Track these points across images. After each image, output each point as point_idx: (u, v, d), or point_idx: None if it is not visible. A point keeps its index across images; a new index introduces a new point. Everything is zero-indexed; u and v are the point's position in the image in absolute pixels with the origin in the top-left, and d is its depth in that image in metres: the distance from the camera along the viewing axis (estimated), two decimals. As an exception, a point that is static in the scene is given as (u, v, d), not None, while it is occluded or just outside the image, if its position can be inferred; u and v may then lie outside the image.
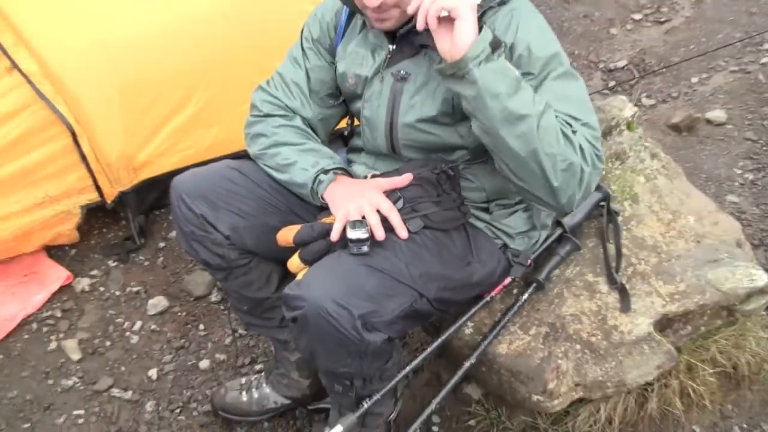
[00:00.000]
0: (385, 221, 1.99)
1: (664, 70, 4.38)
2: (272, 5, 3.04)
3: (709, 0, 4.95)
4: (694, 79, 4.31)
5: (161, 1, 2.98)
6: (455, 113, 2.06)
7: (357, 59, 2.19)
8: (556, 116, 1.88)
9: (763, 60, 4.38)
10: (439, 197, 2.06)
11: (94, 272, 3.29)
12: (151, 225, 3.45)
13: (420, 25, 1.86)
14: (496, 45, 1.82)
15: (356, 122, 2.40)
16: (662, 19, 4.84)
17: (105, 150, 3.00)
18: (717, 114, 4.03)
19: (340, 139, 2.56)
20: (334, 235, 1.98)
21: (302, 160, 2.19)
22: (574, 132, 1.89)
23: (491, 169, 2.08)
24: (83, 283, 3.23)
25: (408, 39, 2.05)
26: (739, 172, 3.72)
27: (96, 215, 3.40)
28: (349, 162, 2.38)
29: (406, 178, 2.02)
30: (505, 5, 2.00)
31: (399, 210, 2.03)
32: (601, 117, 2.82)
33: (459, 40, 1.80)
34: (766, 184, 3.64)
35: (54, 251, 3.33)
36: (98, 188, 3.09)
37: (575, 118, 1.92)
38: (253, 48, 3.03)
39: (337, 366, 2.01)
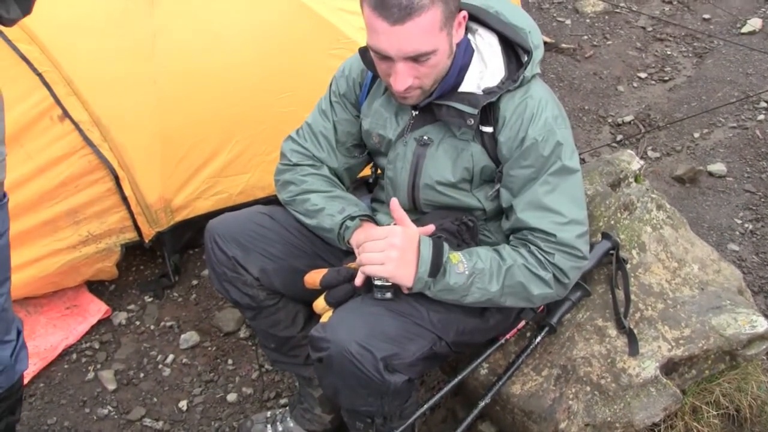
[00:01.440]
0: None
1: (668, 125, 4.35)
2: (300, 60, 3.04)
3: (709, 61, 4.93)
4: (696, 134, 4.28)
5: (197, 59, 2.98)
6: (474, 180, 2.07)
7: (381, 120, 2.17)
8: (536, 237, 1.99)
9: (760, 117, 4.36)
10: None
11: (131, 307, 3.26)
12: (185, 263, 3.43)
13: (358, 283, 1.98)
14: (437, 266, 1.90)
15: (379, 171, 2.38)
16: (666, 78, 4.82)
17: (145, 193, 3.00)
18: (718, 167, 4.00)
19: (364, 186, 2.55)
20: (358, 280, 1.97)
21: (330, 207, 2.18)
22: (550, 255, 1.98)
23: None
24: (120, 317, 3.20)
25: (428, 107, 2.04)
26: (740, 222, 3.68)
27: (134, 253, 3.38)
28: (373, 210, 2.36)
29: (428, 229, 2.00)
30: (521, 87, 1.99)
31: (422, 259, 2.02)
32: (610, 170, 2.80)
33: (401, 283, 1.92)
34: (765, 233, 3.59)
35: (94, 286, 3.31)
36: (137, 228, 3.08)
37: (561, 224, 1.98)
38: (283, 100, 3.03)
39: (359, 404, 1.99)
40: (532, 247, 1.99)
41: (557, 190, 1.98)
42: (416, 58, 1.83)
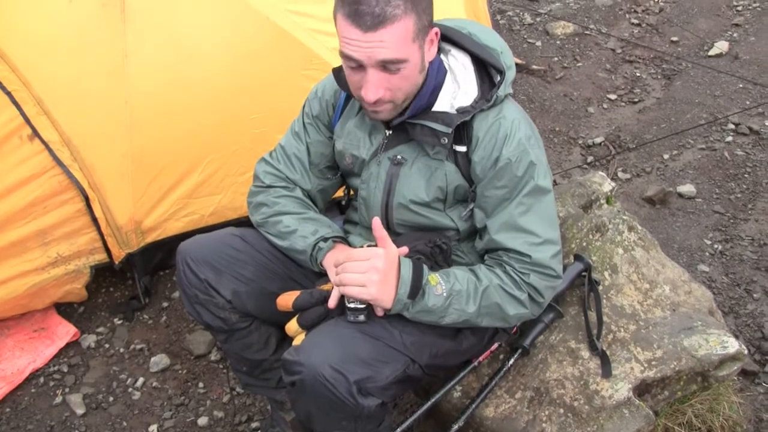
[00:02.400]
0: None
1: (638, 146, 4.40)
2: (273, 81, 3.04)
3: (677, 83, 5.00)
4: (666, 156, 4.33)
5: (169, 78, 2.97)
6: (447, 200, 2.08)
7: (354, 140, 2.17)
8: (510, 258, 2.01)
9: (728, 139, 4.41)
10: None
11: (101, 329, 3.22)
12: (156, 285, 3.39)
13: (331, 305, 2.00)
14: (416, 287, 1.90)
15: (352, 192, 2.38)
16: (635, 100, 4.88)
17: (115, 214, 2.97)
18: (687, 188, 4.04)
19: (336, 207, 2.54)
20: (332, 302, 1.97)
21: (302, 229, 2.17)
22: (525, 275, 1.99)
23: None
24: (90, 340, 3.16)
25: (402, 126, 2.04)
26: (709, 242, 3.71)
27: (104, 275, 3.34)
28: (346, 232, 2.35)
29: (402, 251, 1.99)
30: (494, 107, 2.00)
31: (395, 280, 2.01)
32: (582, 192, 2.82)
33: (381, 305, 1.92)
34: (734, 254, 3.63)
35: (63, 308, 3.27)
36: (107, 250, 3.05)
37: (535, 244, 1.99)
38: (255, 121, 3.02)
39: (333, 428, 1.97)
40: (507, 268, 1.99)
41: (531, 210, 1.99)
42: (388, 67, 1.83)
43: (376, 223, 1.92)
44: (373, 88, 1.85)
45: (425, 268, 1.94)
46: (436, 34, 1.94)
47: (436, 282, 1.93)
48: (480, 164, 1.99)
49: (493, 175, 1.98)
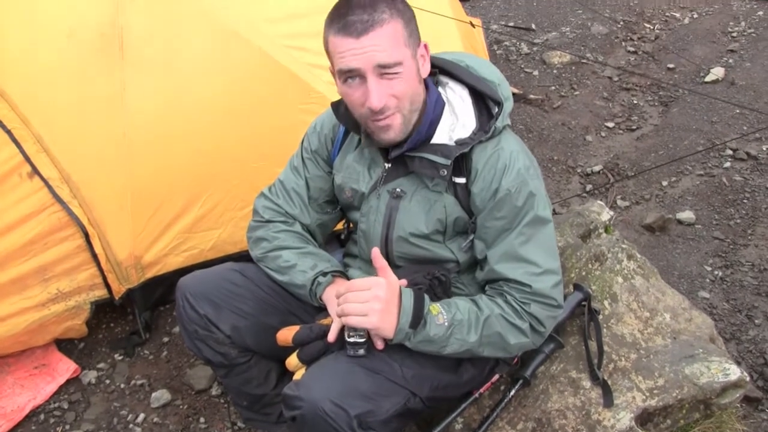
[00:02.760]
0: None
1: (636, 174, 4.41)
2: (271, 115, 3.05)
3: (674, 110, 5.03)
4: (665, 183, 4.34)
5: (167, 113, 2.99)
6: (447, 232, 2.09)
7: (353, 174, 2.19)
8: (511, 288, 2.01)
9: (726, 164, 4.43)
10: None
11: (101, 365, 3.21)
12: (156, 320, 3.39)
13: (330, 339, 2.00)
14: (418, 317, 1.91)
15: (351, 226, 2.39)
16: (633, 127, 4.90)
17: (115, 250, 2.98)
18: (687, 215, 4.05)
19: (336, 241, 2.55)
20: (331, 336, 1.97)
21: (302, 263, 2.18)
22: (526, 305, 1.99)
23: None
24: (90, 376, 3.15)
25: (401, 159, 2.06)
26: (709, 269, 3.71)
27: (104, 310, 3.34)
28: (345, 266, 2.36)
29: (400, 283, 2.00)
30: (492, 139, 2.02)
31: (394, 314, 2.02)
32: (580, 221, 2.84)
33: (382, 335, 1.93)
34: (735, 280, 3.63)
35: (64, 344, 3.26)
36: (107, 285, 3.05)
37: (535, 274, 2.00)
38: (253, 155, 3.04)
39: (333, 463, 1.96)
40: (509, 297, 2.00)
41: (531, 240, 2.00)
42: (386, 73, 1.87)
43: (376, 253, 1.93)
44: (377, 94, 1.88)
45: (426, 297, 1.95)
46: (426, 47, 1.99)
47: (437, 312, 1.94)
48: (479, 195, 2.01)
49: (492, 206, 1.99)
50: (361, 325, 1.87)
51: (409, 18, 1.92)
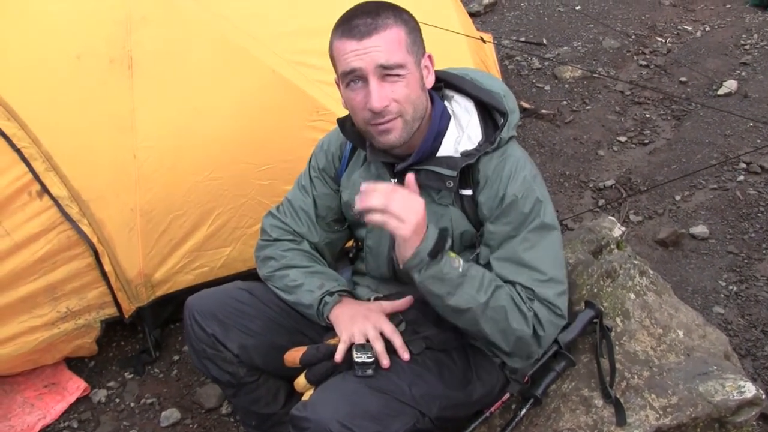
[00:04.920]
0: (388, 343, 1.97)
1: (649, 188, 4.39)
2: (279, 132, 3.06)
3: (687, 123, 5.00)
4: (678, 197, 4.31)
5: (176, 132, 3.00)
6: (453, 246, 2.07)
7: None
8: (515, 286, 1.96)
9: (739, 178, 4.40)
10: (439, 318, 2.01)
11: (111, 384, 3.21)
12: (166, 338, 3.39)
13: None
14: (438, 249, 1.85)
15: (360, 244, 2.38)
16: (645, 141, 4.88)
17: (125, 268, 2.98)
18: (700, 229, 4.02)
19: (346, 258, 2.54)
20: (338, 357, 1.96)
21: (309, 283, 2.18)
22: (530, 300, 1.96)
23: None
24: (100, 395, 3.14)
25: (407, 173, 2.04)
26: (724, 284, 3.68)
27: (114, 329, 3.34)
28: (354, 284, 2.35)
29: (407, 301, 2.00)
30: (498, 149, 2.02)
31: (401, 332, 2.02)
32: (591, 237, 2.82)
33: (400, 252, 1.88)
34: (750, 295, 3.59)
35: (73, 363, 3.26)
36: (117, 304, 3.05)
37: (540, 281, 1.97)
38: (262, 173, 3.04)
39: (342, 484, 1.94)
40: (517, 287, 1.97)
41: (537, 247, 1.98)
42: (387, 76, 1.89)
43: (410, 179, 1.91)
44: (378, 95, 1.89)
45: (449, 240, 1.91)
46: (430, 59, 2.01)
47: (455, 257, 1.91)
48: (486, 204, 2.01)
49: (500, 212, 2.00)
50: (395, 228, 1.80)
51: (412, 27, 1.95)
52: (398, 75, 1.89)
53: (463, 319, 1.96)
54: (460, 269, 1.89)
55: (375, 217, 1.81)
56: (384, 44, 1.87)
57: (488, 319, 1.93)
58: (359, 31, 1.87)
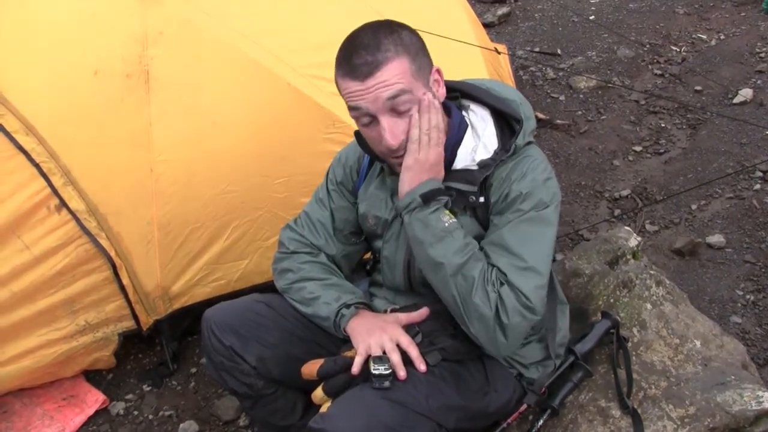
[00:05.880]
0: (404, 354, 1.97)
1: (665, 198, 4.38)
2: (296, 145, 3.07)
3: (703, 132, 4.98)
4: (694, 206, 4.30)
5: (193, 146, 3.02)
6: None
7: (377, 202, 2.20)
8: (491, 268, 1.93)
9: (756, 187, 4.38)
10: (456, 330, 2.02)
11: (129, 396, 3.23)
12: (184, 351, 3.41)
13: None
14: (430, 197, 1.93)
15: (377, 256, 2.39)
16: (661, 151, 4.87)
17: (142, 281, 3.01)
18: (717, 239, 4.00)
19: (363, 270, 2.55)
20: (355, 369, 1.97)
21: (326, 295, 2.19)
22: (500, 284, 1.91)
23: None
24: (118, 407, 3.17)
25: None
26: (741, 293, 3.66)
27: (132, 341, 3.36)
28: (371, 295, 2.36)
29: (423, 313, 2.00)
30: (514, 156, 2.04)
31: (418, 344, 2.02)
32: (607, 248, 2.81)
33: (399, 189, 1.96)
34: (767, 304, 3.56)
35: (92, 375, 3.28)
36: (135, 317, 3.08)
37: (518, 267, 1.93)
38: (279, 185, 3.05)
39: (360, 496, 1.94)
40: (494, 270, 1.95)
41: (525, 235, 1.96)
42: (396, 109, 1.90)
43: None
44: (391, 133, 1.91)
45: (445, 197, 1.98)
46: (439, 72, 2.01)
47: (449, 216, 1.96)
48: (495, 204, 2.03)
49: (503, 207, 2.01)
50: (414, 151, 1.93)
51: (416, 51, 1.93)
52: (409, 102, 1.91)
53: (437, 277, 1.97)
54: (446, 224, 1.94)
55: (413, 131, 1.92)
56: (388, 79, 1.87)
57: (456, 285, 1.92)
58: (361, 72, 1.86)
